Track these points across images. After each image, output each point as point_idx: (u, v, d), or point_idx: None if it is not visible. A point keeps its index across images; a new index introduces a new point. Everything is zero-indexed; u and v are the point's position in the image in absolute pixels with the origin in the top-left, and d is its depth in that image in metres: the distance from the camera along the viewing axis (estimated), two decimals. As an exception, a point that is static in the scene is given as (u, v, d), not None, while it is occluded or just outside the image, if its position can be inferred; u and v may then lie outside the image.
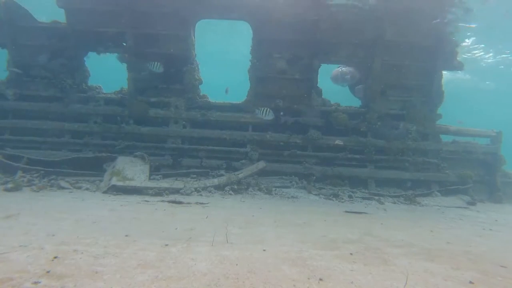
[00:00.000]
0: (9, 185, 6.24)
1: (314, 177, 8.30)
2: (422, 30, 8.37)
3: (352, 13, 8.11)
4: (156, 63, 8.16)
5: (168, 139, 8.63)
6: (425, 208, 7.19)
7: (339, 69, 10.10)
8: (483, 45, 21.84)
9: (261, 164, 7.99)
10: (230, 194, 7.03)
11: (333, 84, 10.35)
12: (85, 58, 8.98)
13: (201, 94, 8.96)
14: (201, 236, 3.95)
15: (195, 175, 7.89)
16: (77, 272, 2.68)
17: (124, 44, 8.59)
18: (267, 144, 8.66)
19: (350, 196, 7.52)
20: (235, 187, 7.30)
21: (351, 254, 3.62)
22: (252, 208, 5.96)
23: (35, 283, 2.44)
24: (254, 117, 8.70)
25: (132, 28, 8.39)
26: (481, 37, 20.71)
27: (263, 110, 7.93)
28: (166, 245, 3.52)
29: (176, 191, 6.77)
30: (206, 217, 4.97)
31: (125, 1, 8.15)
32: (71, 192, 6.44)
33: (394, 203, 7.41)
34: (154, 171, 7.72)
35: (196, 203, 6.01)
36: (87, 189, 6.68)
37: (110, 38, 8.55)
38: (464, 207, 7.45)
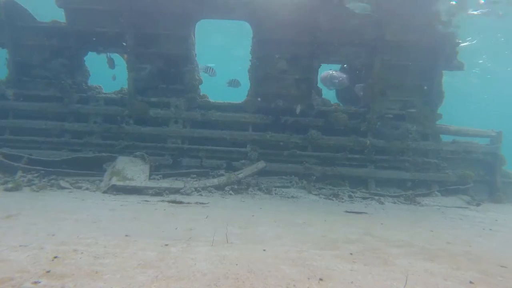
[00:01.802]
0: (9, 185, 6.23)
1: (314, 177, 8.29)
2: (422, 30, 8.36)
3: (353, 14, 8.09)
4: (210, 68, 8.35)
5: (168, 139, 8.62)
6: (425, 208, 7.19)
7: (330, 72, 10.08)
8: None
9: (261, 164, 7.98)
10: (230, 194, 7.03)
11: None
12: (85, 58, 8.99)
13: (201, 94, 8.97)
14: (201, 236, 3.95)
15: (195, 175, 7.88)
16: (77, 272, 2.68)
17: (124, 44, 8.59)
18: (267, 144, 8.66)
19: (350, 196, 7.52)
20: (235, 187, 7.30)
21: (351, 254, 3.62)
22: (252, 208, 5.96)
23: (35, 283, 2.44)
24: (254, 117, 8.70)
25: (132, 28, 8.38)
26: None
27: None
28: (166, 245, 3.52)
29: (176, 191, 6.77)
30: (206, 217, 4.97)
31: (125, 1, 8.15)
32: (71, 192, 6.44)
33: (394, 203, 7.41)
34: (154, 171, 7.71)
35: (196, 203, 6.01)
36: (87, 189, 6.68)
37: (110, 38, 8.55)
38: (464, 207, 7.45)
